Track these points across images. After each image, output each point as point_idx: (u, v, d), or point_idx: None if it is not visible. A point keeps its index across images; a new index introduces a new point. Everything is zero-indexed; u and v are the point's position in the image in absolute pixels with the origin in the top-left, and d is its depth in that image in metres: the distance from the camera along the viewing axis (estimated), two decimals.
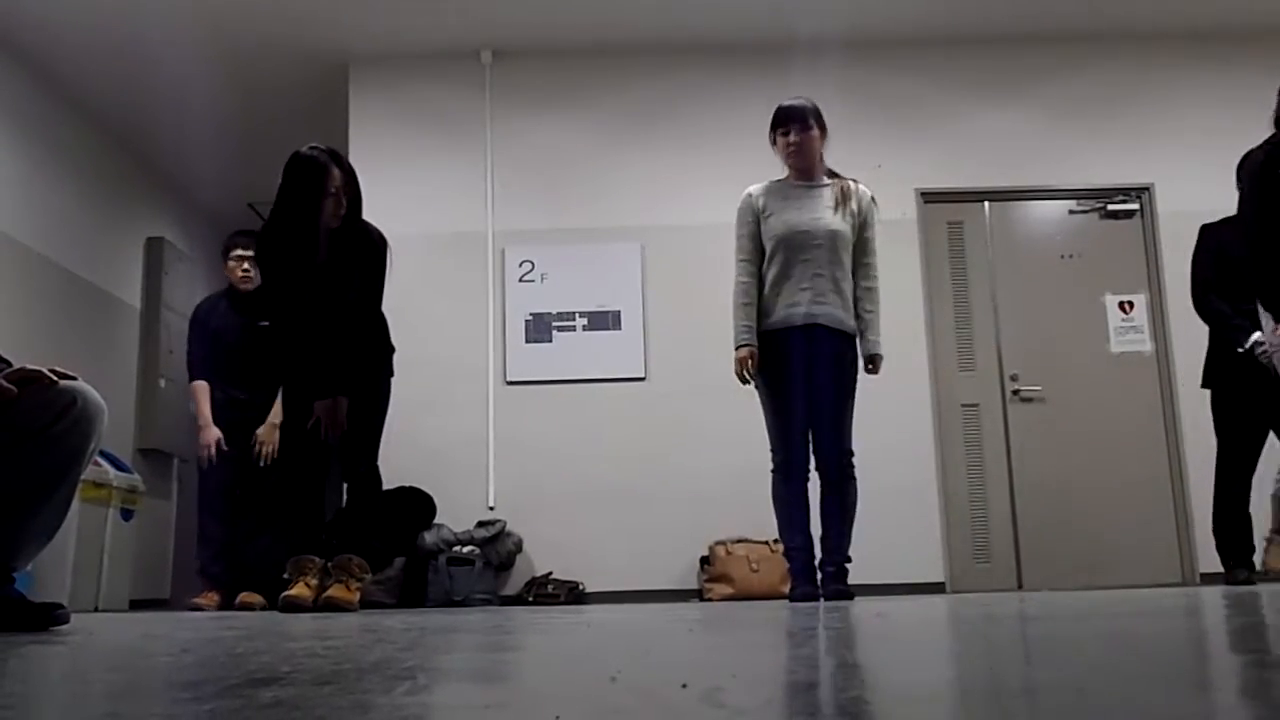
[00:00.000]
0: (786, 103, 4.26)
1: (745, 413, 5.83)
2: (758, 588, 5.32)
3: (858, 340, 4.15)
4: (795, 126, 4.20)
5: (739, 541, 5.51)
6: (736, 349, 4.13)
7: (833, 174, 4.29)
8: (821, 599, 3.95)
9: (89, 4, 5.67)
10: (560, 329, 5.98)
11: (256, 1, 5.73)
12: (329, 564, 3.98)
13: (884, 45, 6.13)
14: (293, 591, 3.88)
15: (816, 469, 4.10)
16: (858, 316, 4.17)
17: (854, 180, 4.28)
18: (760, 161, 6.10)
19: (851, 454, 4.09)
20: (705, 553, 5.55)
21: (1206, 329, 4.76)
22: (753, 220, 4.23)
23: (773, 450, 4.13)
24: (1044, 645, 1.57)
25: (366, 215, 4.21)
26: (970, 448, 5.90)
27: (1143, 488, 5.82)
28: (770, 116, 4.16)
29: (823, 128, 4.24)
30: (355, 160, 6.18)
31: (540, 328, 5.98)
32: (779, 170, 4.27)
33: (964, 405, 5.93)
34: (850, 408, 4.11)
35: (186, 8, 5.71)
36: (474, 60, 6.27)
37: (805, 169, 4.24)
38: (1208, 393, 4.71)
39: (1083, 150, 6.17)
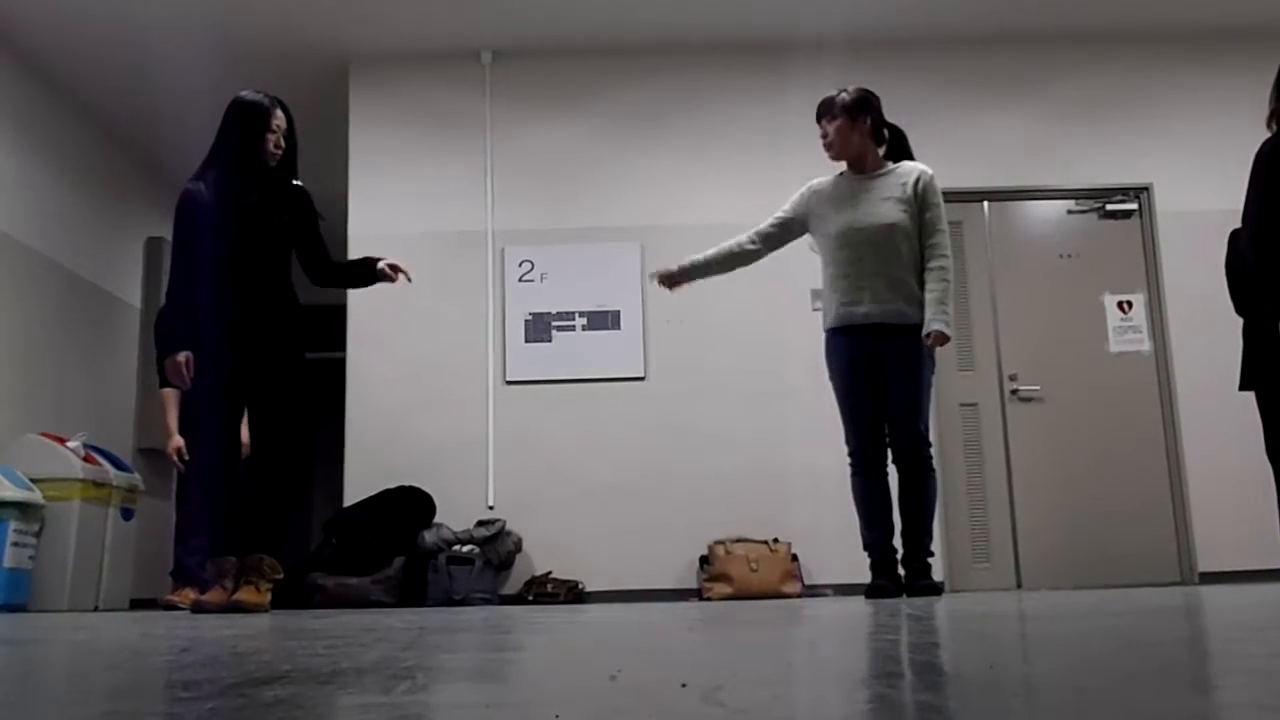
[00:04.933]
0: (825, 97, 4.22)
1: (745, 413, 5.87)
2: (757, 587, 5.32)
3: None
4: (825, 119, 4.18)
5: (738, 541, 5.51)
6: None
7: (896, 158, 4.22)
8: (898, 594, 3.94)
9: (89, 4, 5.67)
10: (560, 329, 5.98)
11: (257, 2, 5.74)
12: (247, 563, 3.92)
13: (884, 45, 6.13)
14: (207, 596, 3.88)
15: (894, 462, 4.07)
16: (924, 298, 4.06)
17: (912, 161, 4.22)
18: (761, 163, 6.13)
19: (929, 445, 4.05)
20: (704, 552, 5.56)
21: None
22: (795, 208, 4.26)
23: (846, 445, 4.12)
24: (1042, 643, 1.57)
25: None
26: (969, 447, 5.90)
27: (1141, 487, 5.82)
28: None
29: (861, 115, 4.14)
30: (355, 160, 6.22)
31: (540, 327, 5.98)
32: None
33: (963, 405, 5.93)
34: (922, 400, 4.06)
35: (187, 8, 5.71)
36: (474, 60, 6.27)
37: (851, 160, 4.19)
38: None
39: (1081, 150, 6.17)
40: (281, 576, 4.04)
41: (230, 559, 3.92)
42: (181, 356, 3.93)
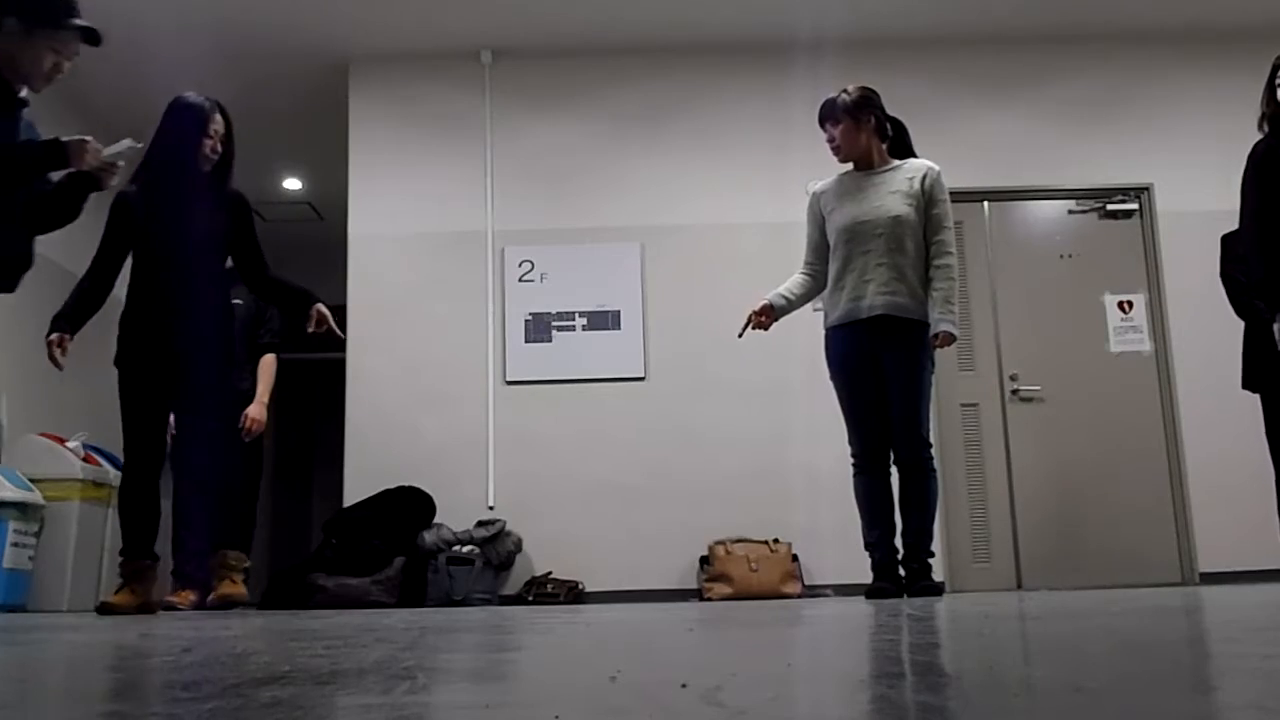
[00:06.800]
0: (826, 99, 4.22)
1: (745, 413, 5.87)
2: (757, 587, 5.32)
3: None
4: (828, 124, 4.19)
5: (738, 541, 5.51)
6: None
7: (899, 152, 4.22)
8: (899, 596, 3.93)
9: (88, 4, 5.66)
10: (560, 329, 5.98)
11: (257, 2, 5.73)
12: (214, 562, 4.16)
13: (884, 45, 6.13)
14: (114, 599, 3.89)
15: (895, 463, 4.06)
16: (929, 296, 4.04)
17: (915, 156, 4.22)
18: (761, 163, 6.13)
19: (929, 448, 4.03)
20: (705, 552, 5.55)
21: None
22: (816, 222, 4.24)
23: (850, 445, 4.12)
24: (1042, 644, 1.57)
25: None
26: (970, 447, 5.90)
27: (1142, 487, 5.82)
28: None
29: (864, 115, 4.14)
30: (355, 160, 6.22)
31: (540, 327, 5.98)
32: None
33: (963, 405, 5.93)
34: (922, 404, 4.04)
35: (187, 8, 5.71)
36: (474, 60, 6.27)
37: (857, 160, 4.20)
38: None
39: (1082, 150, 6.17)
40: (249, 564, 4.19)
41: (145, 562, 3.94)
42: (54, 336, 3.93)
